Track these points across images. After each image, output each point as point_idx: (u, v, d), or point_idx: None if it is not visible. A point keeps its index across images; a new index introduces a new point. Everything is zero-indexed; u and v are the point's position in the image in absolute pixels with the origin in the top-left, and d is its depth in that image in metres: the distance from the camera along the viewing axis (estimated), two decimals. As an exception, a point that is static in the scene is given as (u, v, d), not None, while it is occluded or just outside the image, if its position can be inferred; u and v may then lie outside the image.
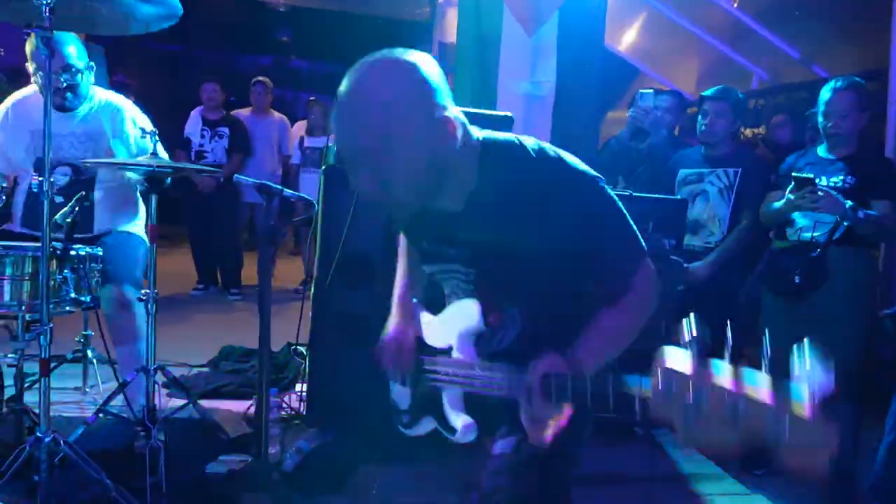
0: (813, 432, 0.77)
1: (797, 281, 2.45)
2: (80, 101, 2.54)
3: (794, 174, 2.47)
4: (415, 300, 1.47)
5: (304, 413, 2.73)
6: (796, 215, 2.56)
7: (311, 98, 5.99)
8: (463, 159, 1.18)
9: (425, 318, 1.43)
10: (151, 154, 2.11)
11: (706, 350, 0.89)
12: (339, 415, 2.54)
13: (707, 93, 3.10)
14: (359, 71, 1.13)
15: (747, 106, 3.92)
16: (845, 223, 2.38)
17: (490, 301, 1.24)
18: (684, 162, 3.16)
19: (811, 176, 2.43)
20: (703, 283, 2.92)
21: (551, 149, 1.21)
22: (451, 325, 1.31)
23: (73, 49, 2.47)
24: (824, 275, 2.41)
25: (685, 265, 2.86)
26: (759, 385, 0.81)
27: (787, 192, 2.48)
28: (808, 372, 0.79)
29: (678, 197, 3.02)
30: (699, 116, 3.10)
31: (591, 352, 1.14)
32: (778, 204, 2.53)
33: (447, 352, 1.31)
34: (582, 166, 1.21)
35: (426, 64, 1.14)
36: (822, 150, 2.61)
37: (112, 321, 2.46)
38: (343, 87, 1.13)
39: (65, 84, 2.42)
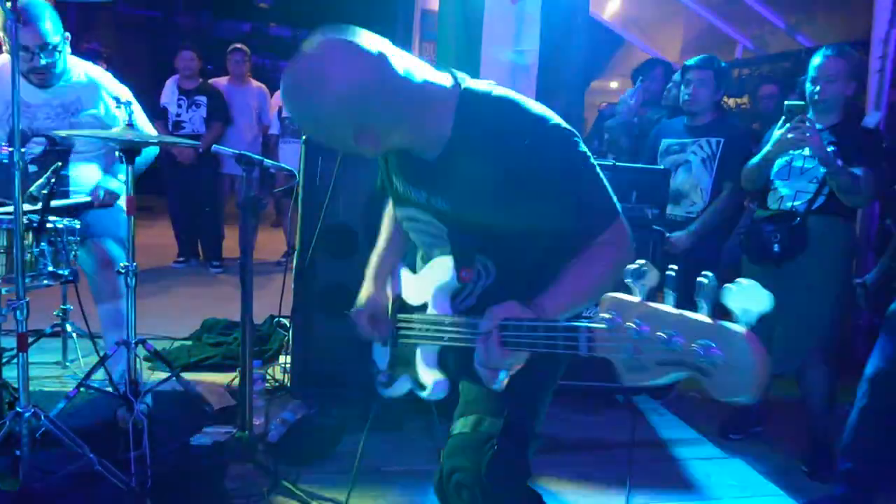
0: (747, 352, 0.78)
1: (776, 249, 2.48)
2: (59, 77, 2.45)
3: (786, 102, 2.44)
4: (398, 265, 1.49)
5: (289, 384, 2.74)
6: (778, 183, 2.58)
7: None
8: (439, 109, 1.18)
9: (406, 275, 1.44)
10: (128, 125, 2.05)
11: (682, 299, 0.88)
12: (322, 385, 2.55)
13: (690, 62, 3.09)
14: (301, 71, 1.14)
15: (731, 75, 3.91)
16: (823, 170, 2.39)
17: (462, 253, 1.24)
18: (667, 132, 3.17)
19: (803, 103, 2.41)
20: (684, 251, 2.95)
21: (528, 102, 1.20)
22: (428, 281, 1.32)
23: (49, 24, 2.37)
24: (803, 243, 2.44)
25: (667, 235, 2.88)
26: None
27: (777, 128, 2.46)
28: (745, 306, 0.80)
29: (661, 167, 3.03)
30: (682, 86, 3.09)
31: (555, 302, 1.11)
32: (766, 147, 2.50)
33: (423, 308, 1.33)
34: (556, 120, 1.19)
35: (360, 37, 1.13)
36: (806, 120, 2.61)
37: (93, 279, 2.42)
38: (290, 88, 1.14)
39: (43, 62, 2.33)
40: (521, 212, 1.17)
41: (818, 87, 2.46)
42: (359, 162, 2.45)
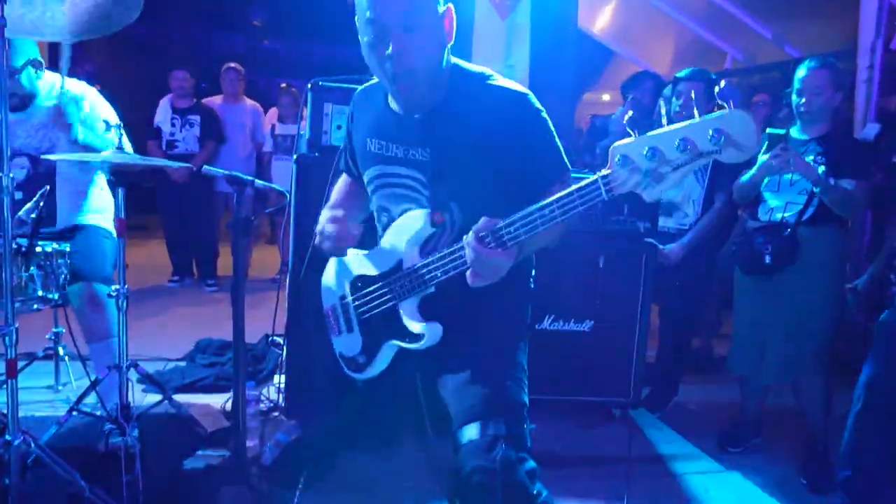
0: (746, 119, 1.08)
1: (768, 261, 2.48)
2: (26, 102, 2.44)
3: (768, 130, 2.48)
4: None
5: (283, 405, 2.72)
6: (767, 195, 2.59)
7: (283, 84, 5.88)
8: (442, 70, 1.39)
9: (353, 253, 1.56)
10: (117, 148, 2.05)
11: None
12: (317, 406, 2.53)
13: (681, 74, 3.11)
14: None
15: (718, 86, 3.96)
16: (815, 190, 2.41)
17: (437, 199, 1.41)
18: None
19: (783, 132, 2.44)
20: (677, 263, 2.95)
21: (503, 79, 1.43)
22: (396, 240, 1.45)
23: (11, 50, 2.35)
24: (794, 255, 2.44)
25: (660, 247, 2.88)
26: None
27: (760, 153, 2.49)
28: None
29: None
30: (672, 98, 3.10)
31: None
32: (752, 170, 2.54)
33: (389, 274, 1.47)
34: (521, 89, 1.42)
35: None
36: (795, 131, 2.63)
37: (83, 319, 2.41)
38: None
39: (12, 91, 2.33)
40: (492, 160, 1.36)
41: (804, 99, 2.48)
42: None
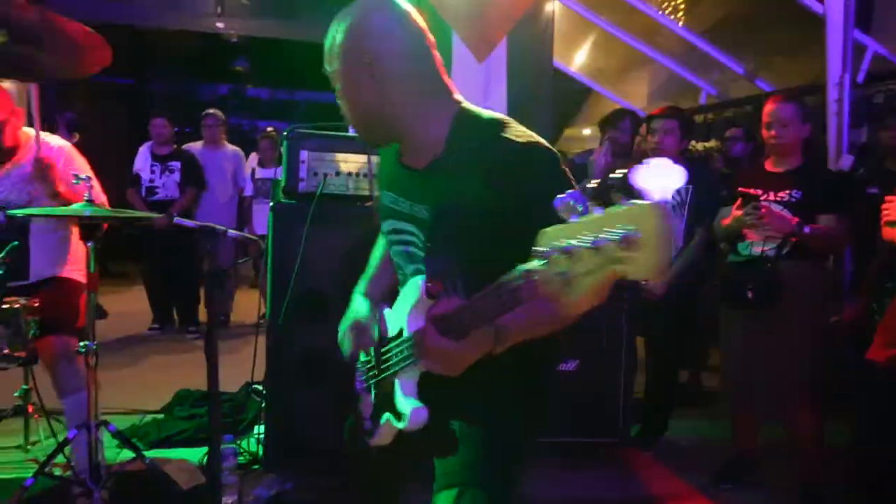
0: (656, 218, 0.79)
1: (750, 297, 2.47)
2: (8, 155, 2.41)
3: (740, 190, 2.51)
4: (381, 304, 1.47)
5: (263, 457, 2.63)
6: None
7: (269, 129, 5.92)
8: (436, 119, 1.25)
9: (387, 311, 1.42)
10: (87, 201, 2.02)
11: None
12: (298, 457, 2.45)
13: (655, 112, 3.15)
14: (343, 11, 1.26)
15: (693, 122, 4.03)
16: (792, 239, 2.43)
17: (434, 266, 1.25)
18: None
19: (756, 193, 2.47)
20: (659, 298, 2.94)
21: (516, 124, 1.24)
22: (402, 307, 1.31)
23: None
24: (777, 289, 2.44)
25: (643, 283, 2.87)
26: None
27: (733, 208, 2.52)
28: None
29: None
30: (648, 135, 3.14)
31: (516, 324, 1.12)
32: (729, 223, 2.58)
33: (398, 336, 1.31)
34: (542, 142, 1.22)
35: (412, 13, 1.25)
36: (769, 164, 2.66)
37: (54, 373, 2.34)
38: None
39: None
40: (498, 226, 1.15)
41: (773, 132, 2.52)
42: (328, 225, 2.44)
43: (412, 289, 1.28)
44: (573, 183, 1.20)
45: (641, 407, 3.12)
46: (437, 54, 1.26)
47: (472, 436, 1.26)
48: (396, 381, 1.29)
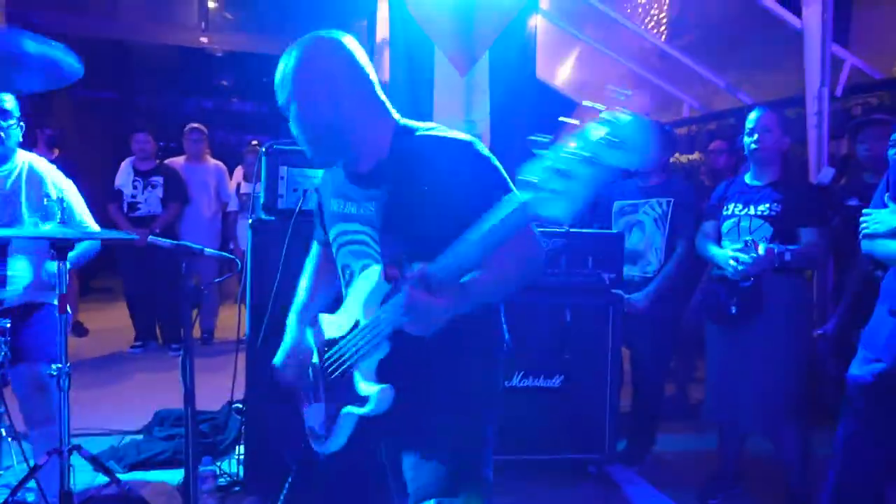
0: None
1: (733, 311, 2.47)
2: (6, 159, 2.38)
3: (745, 240, 2.50)
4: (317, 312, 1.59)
5: (243, 479, 2.58)
6: (727, 244, 2.60)
7: (254, 142, 5.88)
8: (379, 130, 1.41)
9: (326, 317, 1.53)
10: (60, 221, 1.98)
11: None
12: (278, 478, 2.40)
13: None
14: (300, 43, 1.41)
15: (675, 136, 4.06)
16: (772, 230, 2.48)
17: (389, 254, 1.37)
18: (619, 193, 3.20)
19: (750, 238, 2.47)
20: (644, 312, 2.94)
21: (446, 129, 1.42)
22: (356, 299, 1.40)
23: (8, 97, 2.33)
24: (759, 304, 2.44)
25: (626, 297, 2.86)
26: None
27: (729, 248, 2.53)
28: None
29: (614, 231, 3.04)
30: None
31: (475, 286, 1.26)
32: (717, 253, 2.59)
33: (351, 331, 1.40)
34: (466, 137, 1.40)
35: (351, 43, 1.41)
36: (749, 177, 2.67)
37: (25, 402, 2.27)
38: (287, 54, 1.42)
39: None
40: (439, 209, 1.31)
41: (756, 136, 2.54)
42: (308, 241, 2.40)
43: (366, 279, 1.39)
44: (498, 165, 1.37)
45: (627, 421, 3.11)
46: (375, 76, 1.43)
47: (439, 443, 1.34)
48: (355, 372, 1.38)
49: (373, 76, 1.42)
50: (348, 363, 1.39)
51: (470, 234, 1.16)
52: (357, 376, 1.37)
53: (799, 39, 3.90)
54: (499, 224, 1.13)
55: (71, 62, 1.99)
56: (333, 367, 1.44)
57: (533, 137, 1.09)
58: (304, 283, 1.69)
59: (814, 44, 3.79)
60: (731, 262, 2.47)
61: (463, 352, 1.39)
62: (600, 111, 1.05)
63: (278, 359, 1.60)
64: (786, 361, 2.50)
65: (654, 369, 3.09)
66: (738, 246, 2.52)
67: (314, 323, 1.56)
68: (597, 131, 1.03)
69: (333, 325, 1.49)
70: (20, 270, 2.41)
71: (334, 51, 1.39)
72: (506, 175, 1.37)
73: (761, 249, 2.39)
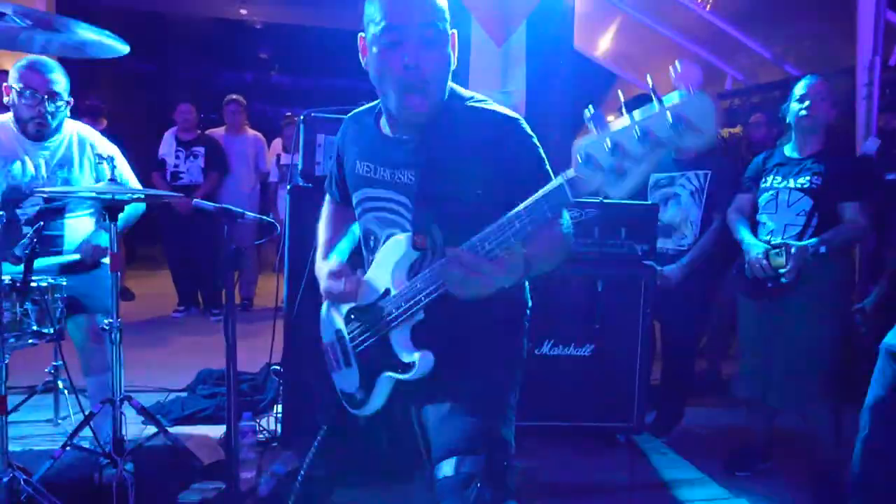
0: (705, 99, 1.02)
1: (770, 285, 2.44)
2: (54, 132, 2.50)
3: (776, 242, 2.46)
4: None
5: (280, 435, 2.69)
6: (765, 217, 2.56)
7: (287, 114, 5.96)
8: (445, 90, 1.39)
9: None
10: (110, 180, 2.08)
11: None
12: (313, 436, 2.50)
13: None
14: None
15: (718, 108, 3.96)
16: (812, 203, 2.43)
17: (420, 222, 1.38)
18: (655, 166, 3.16)
19: (782, 242, 2.44)
20: (676, 285, 2.92)
21: (493, 103, 1.43)
22: (383, 267, 1.41)
23: (59, 75, 2.44)
24: (797, 277, 2.40)
25: (659, 269, 2.85)
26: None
27: (760, 252, 2.48)
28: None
29: (649, 202, 3.02)
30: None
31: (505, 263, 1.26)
32: (750, 243, 2.55)
33: (382, 299, 1.42)
34: (512, 114, 1.41)
35: None
36: (789, 149, 2.61)
37: (84, 352, 2.41)
38: None
39: (49, 109, 2.38)
40: (478, 183, 1.33)
41: (807, 103, 2.47)
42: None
43: (393, 247, 1.39)
44: (544, 156, 1.39)
45: (657, 393, 3.12)
46: None
47: (463, 404, 1.37)
48: (391, 338, 1.40)
49: None
50: (383, 330, 1.42)
51: (512, 212, 1.19)
52: (394, 342, 1.40)
53: (850, 7, 3.76)
54: (542, 201, 1.16)
55: (118, 45, 2.06)
56: (367, 333, 1.47)
57: (590, 114, 1.11)
58: (321, 240, 1.69)
59: (868, 10, 3.64)
60: (758, 266, 2.44)
61: (491, 319, 1.41)
62: (653, 91, 1.05)
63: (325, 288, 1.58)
64: (820, 336, 2.46)
65: (684, 342, 3.08)
66: (777, 226, 2.48)
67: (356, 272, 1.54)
68: (663, 111, 1.02)
69: (361, 287, 1.49)
70: (75, 231, 2.55)
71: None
72: (549, 169, 1.39)
73: (793, 250, 2.36)
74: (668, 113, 1.01)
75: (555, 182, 1.15)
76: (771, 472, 2.73)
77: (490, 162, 1.33)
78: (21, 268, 2.04)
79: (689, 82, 1.02)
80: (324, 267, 1.56)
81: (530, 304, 1.56)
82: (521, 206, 1.18)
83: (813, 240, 2.40)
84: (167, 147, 5.21)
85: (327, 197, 1.74)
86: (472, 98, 1.42)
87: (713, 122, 1.01)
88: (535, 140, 1.39)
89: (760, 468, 2.73)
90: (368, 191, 1.47)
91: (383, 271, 1.41)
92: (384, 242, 1.45)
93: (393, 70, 1.33)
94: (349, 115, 1.63)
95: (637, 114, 1.05)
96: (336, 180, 1.64)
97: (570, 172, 1.13)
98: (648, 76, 1.09)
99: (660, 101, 1.04)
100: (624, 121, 1.06)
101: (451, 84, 1.41)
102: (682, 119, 1.00)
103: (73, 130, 2.57)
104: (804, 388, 2.49)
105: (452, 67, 1.38)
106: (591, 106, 1.11)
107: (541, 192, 1.17)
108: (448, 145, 1.36)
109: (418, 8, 1.32)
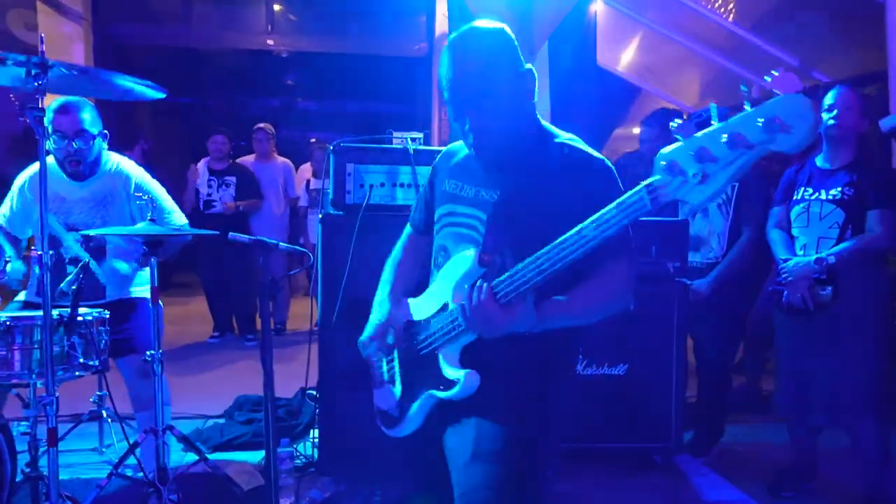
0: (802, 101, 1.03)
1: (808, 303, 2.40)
2: (92, 169, 2.56)
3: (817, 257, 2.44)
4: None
5: (317, 460, 2.72)
6: (797, 231, 2.53)
7: (313, 140, 6.08)
8: (527, 122, 1.44)
9: (412, 301, 1.54)
10: (151, 220, 2.15)
11: None
12: (350, 462, 2.52)
13: (698, 112, 3.10)
14: (462, 32, 1.43)
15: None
16: (844, 216, 2.42)
17: (491, 240, 1.39)
18: (739, 171, 3.13)
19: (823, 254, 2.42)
20: (707, 300, 2.89)
21: (581, 143, 1.46)
22: (446, 281, 1.41)
23: (87, 115, 2.51)
24: (834, 293, 2.36)
25: (688, 283, 2.82)
26: None
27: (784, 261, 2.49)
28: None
29: (678, 218, 3.00)
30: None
31: (556, 311, 1.30)
32: (784, 259, 2.53)
33: (438, 314, 1.41)
34: (604, 158, 1.43)
35: (508, 30, 1.43)
36: (820, 160, 2.58)
37: (134, 389, 2.47)
38: (452, 41, 1.42)
39: (76, 148, 2.46)
40: (555, 215, 1.30)
41: (835, 112, 2.44)
42: (375, 234, 2.50)
43: (460, 262, 1.39)
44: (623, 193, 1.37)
45: (694, 412, 3.07)
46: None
47: (491, 450, 1.33)
48: (440, 355, 1.39)
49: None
50: (434, 345, 1.40)
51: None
52: (441, 360, 1.38)
53: (878, 12, 3.70)
54: (616, 211, 1.16)
55: (154, 92, 2.14)
56: (418, 348, 1.45)
57: (675, 126, 1.11)
58: (391, 264, 1.70)
59: (897, 14, 3.58)
60: (800, 297, 2.43)
61: (546, 357, 1.39)
62: (747, 91, 1.05)
63: (365, 335, 1.58)
64: (860, 351, 2.40)
65: (717, 358, 3.03)
66: (810, 239, 2.44)
67: (399, 304, 1.56)
68: (753, 113, 1.02)
69: (419, 307, 1.49)
70: (116, 270, 2.63)
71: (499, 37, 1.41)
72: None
73: (790, 263, 2.38)
74: (758, 115, 1.01)
75: (634, 190, 1.14)
76: (815, 491, 2.65)
77: (572, 198, 1.32)
78: (68, 302, 2.13)
79: (786, 89, 1.00)
80: (379, 305, 1.61)
81: (579, 354, 1.55)
82: (590, 220, 1.19)
83: (821, 253, 2.36)
84: (200, 177, 5.36)
85: (406, 228, 1.74)
86: (566, 138, 1.45)
87: (808, 119, 0.99)
88: (617, 178, 1.40)
89: (805, 488, 2.66)
90: (451, 206, 1.50)
91: (445, 285, 1.40)
92: (451, 252, 1.46)
93: (462, 134, 1.42)
94: (443, 150, 1.66)
95: (730, 120, 1.05)
96: (425, 201, 1.65)
97: (650, 180, 1.13)
98: (742, 85, 1.08)
99: (750, 104, 1.04)
100: (712, 126, 1.07)
101: (546, 124, 1.47)
102: (774, 120, 1.00)
103: (115, 166, 2.65)
104: (848, 404, 2.43)
105: (527, 104, 1.41)
106: (676, 119, 1.12)
107: (615, 202, 1.16)
108: (535, 172, 1.39)
109: (473, 64, 1.37)
